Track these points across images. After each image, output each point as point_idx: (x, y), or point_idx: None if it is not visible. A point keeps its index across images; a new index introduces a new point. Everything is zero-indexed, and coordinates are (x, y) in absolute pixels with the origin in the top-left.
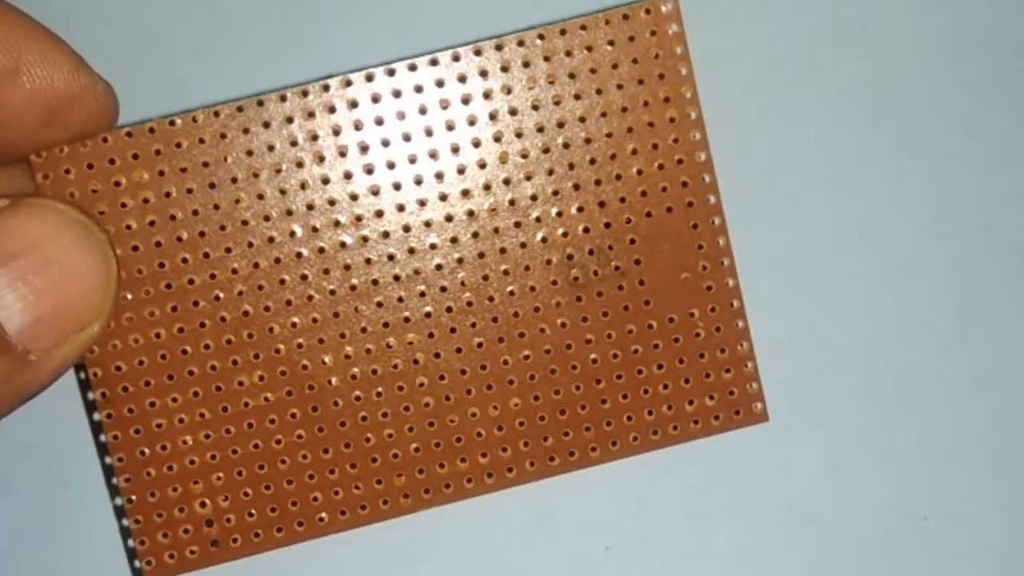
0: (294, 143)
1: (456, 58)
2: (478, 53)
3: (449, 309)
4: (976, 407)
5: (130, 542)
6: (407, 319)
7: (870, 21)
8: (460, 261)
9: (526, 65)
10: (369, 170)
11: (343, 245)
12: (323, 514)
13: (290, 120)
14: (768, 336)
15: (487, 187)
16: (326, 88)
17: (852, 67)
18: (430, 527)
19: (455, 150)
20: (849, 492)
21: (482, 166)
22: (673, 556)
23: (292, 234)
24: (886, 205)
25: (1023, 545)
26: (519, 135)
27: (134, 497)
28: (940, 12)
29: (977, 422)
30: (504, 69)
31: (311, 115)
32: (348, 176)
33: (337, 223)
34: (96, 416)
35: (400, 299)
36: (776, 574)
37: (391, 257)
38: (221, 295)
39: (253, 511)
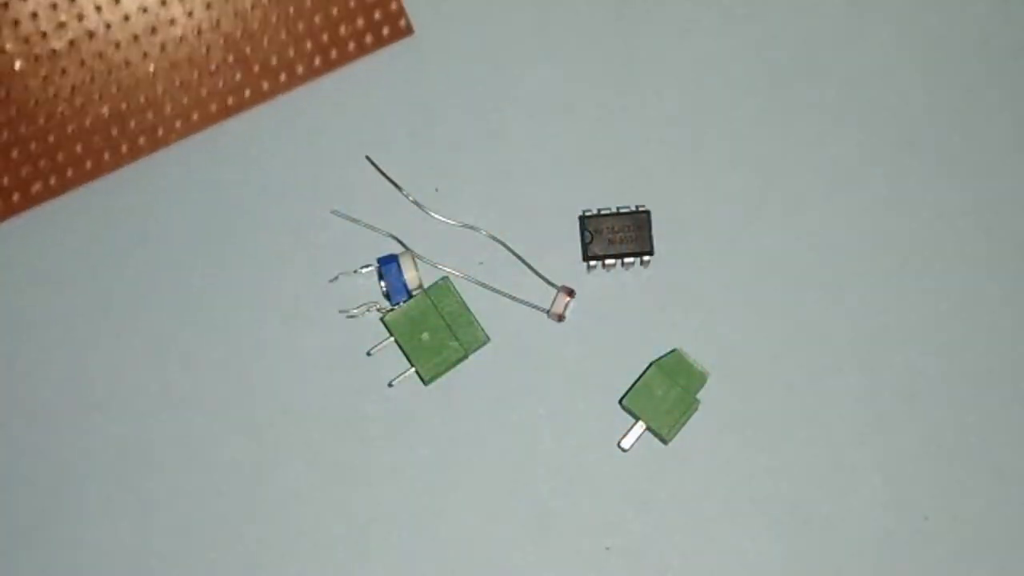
0: None
1: None
2: None
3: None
4: (976, 407)
5: None
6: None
7: (869, 21)
8: None
9: None
10: None
11: None
12: (36, 185)
13: None
14: (768, 335)
15: None
16: None
17: (852, 67)
18: (430, 527)
19: None
20: (849, 492)
21: None
22: (673, 556)
23: None
24: (886, 205)
25: (1023, 545)
26: None
27: None
28: (940, 12)
29: (977, 422)
30: None
31: None
32: None
33: None
34: None
35: None
36: (776, 574)
37: None
38: None
39: (25, 168)
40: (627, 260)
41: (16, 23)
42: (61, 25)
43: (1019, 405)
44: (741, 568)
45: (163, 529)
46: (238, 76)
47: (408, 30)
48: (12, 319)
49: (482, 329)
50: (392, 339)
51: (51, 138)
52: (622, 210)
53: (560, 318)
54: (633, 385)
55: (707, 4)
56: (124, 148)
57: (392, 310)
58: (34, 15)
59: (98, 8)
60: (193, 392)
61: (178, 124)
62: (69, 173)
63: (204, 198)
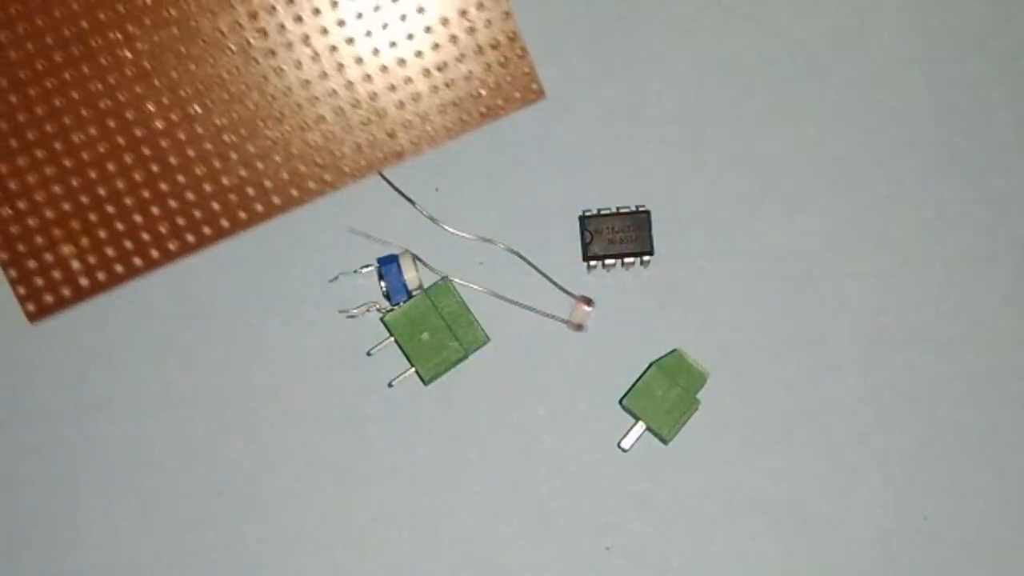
0: None
1: None
2: None
3: (254, 60)
4: (975, 408)
5: (20, 290)
6: (211, 70)
7: (870, 21)
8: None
9: None
10: None
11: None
12: (172, 243)
13: None
14: (768, 335)
15: None
16: None
17: (852, 67)
18: (430, 527)
19: None
20: (849, 492)
21: None
22: (673, 556)
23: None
24: (886, 205)
25: (1023, 545)
26: None
27: (5, 255)
28: (940, 12)
29: (977, 422)
30: None
31: None
32: None
33: None
34: None
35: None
36: (776, 574)
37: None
38: (40, 65)
39: (110, 248)
40: (627, 260)
41: (158, 87)
42: (202, 87)
43: (1019, 405)
44: (741, 568)
45: (163, 529)
46: (377, 135)
47: (540, 93)
48: (11, 318)
49: (482, 329)
50: (392, 339)
51: (189, 195)
52: (622, 210)
53: (579, 328)
54: (633, 385)
55: (707, 4)
56: (259, 207)
57: (392, 310)
58: (175, 79)
59: (241, 67)
60: (193, 392)
61: (311, 184)
62: (206, 231)
63: None
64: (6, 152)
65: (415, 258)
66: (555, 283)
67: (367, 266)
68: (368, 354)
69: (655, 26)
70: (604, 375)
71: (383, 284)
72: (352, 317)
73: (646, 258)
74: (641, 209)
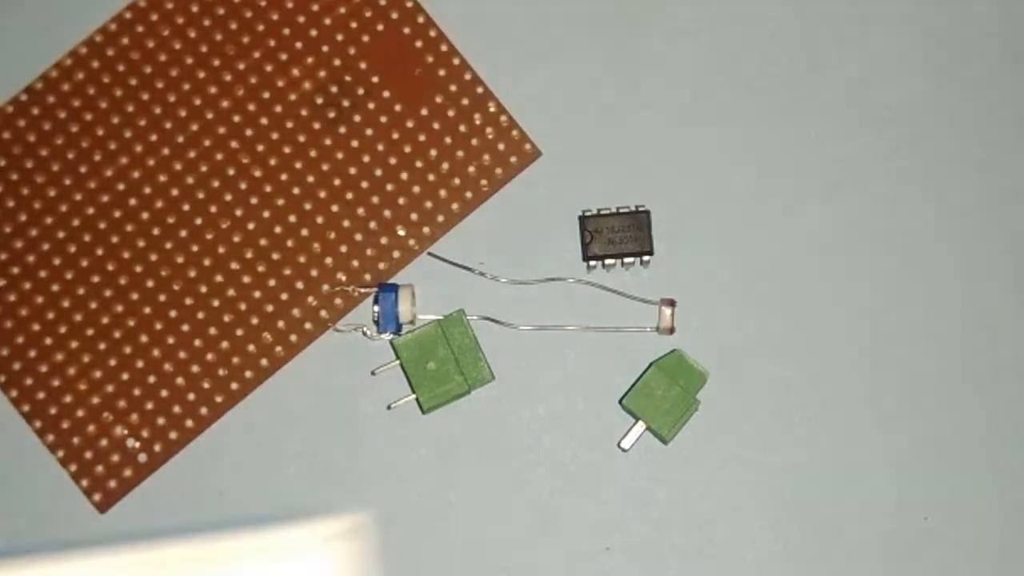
0: None
1: None
2: None
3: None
4: (976, 407)
5: (83, 483)
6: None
7: (870, 21)
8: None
9: None
10: None
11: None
12: (218, 396)
13: None
14: (768, 335)
15: None
16: None
17: (852, 67)
18: (430, 526)
19: None
20: (849, 492)
21: None
22: (673, 556)
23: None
24: (886, 205)
25: (1023, 545)
26: None
27: (62, 452)
28: (940, 12)
29: (977, 422)
30: None
31: None
32: None
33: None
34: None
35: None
36: (776, 574)
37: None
38: (58, 260)
39: (160, 417)
40: (627, 260)
41: (169, 249)
42: (211, 236)
43: (1019, 405)
44: (741, 568)
45: (164, 529)
46: (388, 230)
47: (536, 153)
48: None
49: (488, 367)
50: (398, 362)
51: (224, 345)
52: (622, 210)
53: (671, 331)
54: (633, 385)
55: (707, 4)
56: (293, 337)
57: (400, 335)
58: (184, 238)
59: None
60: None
61: (338, 302)
62: (248, 375)
63: None
64: (43, 352)
65: (414, 294)
66: (632, 296)
67: (367, 287)
68: (372, 373)
69: (655, 26)
70: (604, 375)
71: (376, 309)
72: (339, 332)
73: (646, 258)
74: (641, 209)
